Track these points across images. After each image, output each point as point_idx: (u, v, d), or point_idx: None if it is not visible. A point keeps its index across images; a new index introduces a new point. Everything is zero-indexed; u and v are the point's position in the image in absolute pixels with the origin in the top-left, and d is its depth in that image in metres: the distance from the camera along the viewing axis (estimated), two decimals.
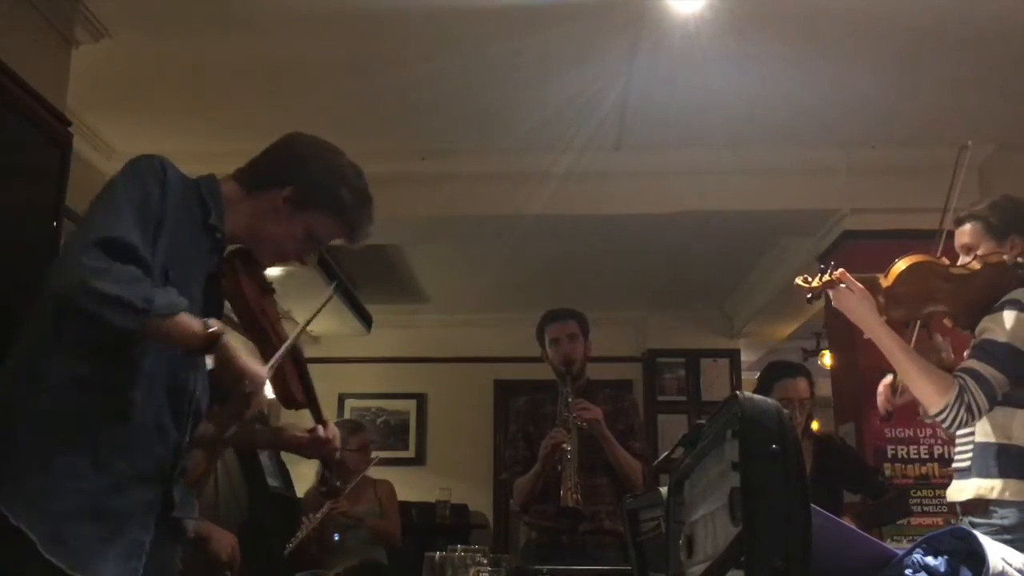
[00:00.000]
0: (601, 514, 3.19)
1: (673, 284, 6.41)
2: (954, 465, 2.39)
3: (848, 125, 4.29)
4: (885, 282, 2.36)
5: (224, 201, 1.83)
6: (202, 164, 1.89)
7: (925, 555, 1.13)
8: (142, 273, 1.56)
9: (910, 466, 4.37)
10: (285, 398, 1.92)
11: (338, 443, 2.04)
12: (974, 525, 2.15)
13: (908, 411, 2.60)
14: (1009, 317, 2.22)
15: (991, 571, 1.06)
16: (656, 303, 6.96)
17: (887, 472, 4.26)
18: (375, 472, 4.49)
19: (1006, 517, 2.17)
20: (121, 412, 1.61)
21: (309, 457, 2.23)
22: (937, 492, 4.15)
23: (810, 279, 2.34)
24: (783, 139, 4.43)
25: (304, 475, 5.14)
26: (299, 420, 2.14)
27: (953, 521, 2.39)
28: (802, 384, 3.36)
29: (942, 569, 1.10)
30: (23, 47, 3.06)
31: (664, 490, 1.42)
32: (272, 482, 5.20)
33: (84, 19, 3.39)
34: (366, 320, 6.72)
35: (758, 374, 3.55)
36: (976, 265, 2.37)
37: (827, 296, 2.37)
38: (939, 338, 2.52)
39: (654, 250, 5.60)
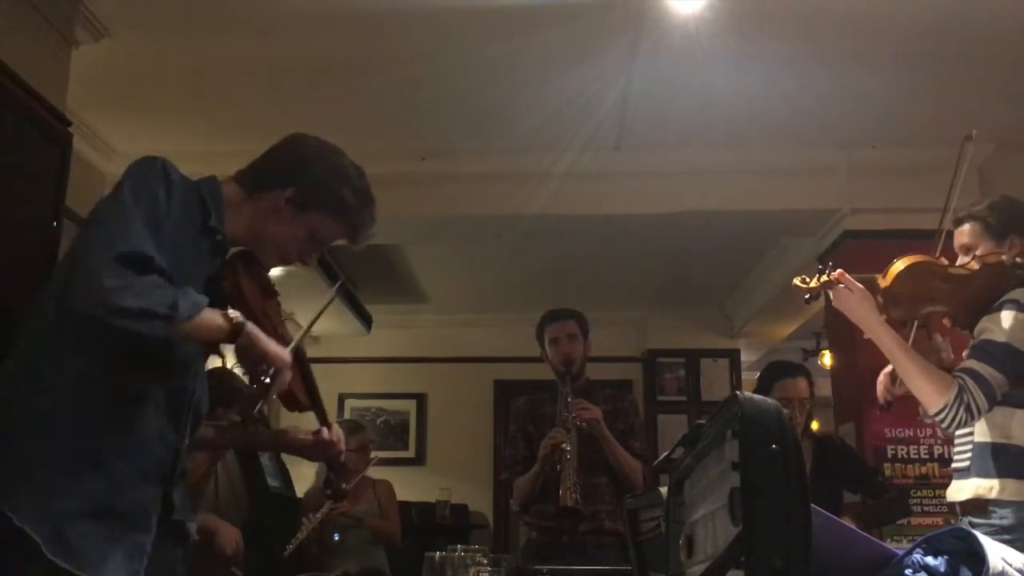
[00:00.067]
0: (601, 514, 3.19)
1: (673, 284, 6.41)
2: (953, 465, 2.40)
3: (848, 125, 4.29)
4: (884, 282, 2.36)
5: (225, 203, 1.83)
6: (202, 164, 1.89)
7: (925, 555, 1.13)
8: (162, 280, 1.58)
9: (910, 466, 4.37)
10: (288, 400, 1.91)
11: (343, 446, 2.03)
12: (973, 525, 2.15)
13: (908, 412, 2.60)
14: (1008, 317, 2.22)
15: (991, 571, 1.06)
16: (656, 303, 6.96)
17: (887, 472, 4.26)
18: (374, 472, 4.49)
19: (1005, 517, 2.17)
20: (121, 413, 1.62)
21: (313, 460, 2.23)
22: (937, 492, 4.16)
23: (808, 279, 2.34)
24: (783, 139, 4.43)
25: (304, 475, 5.14)
26: (298, 422, 2.14)
27: (953, 521, 2.39)
28: (802, 384, 3.36)
29: (942, 569, 1.10)
30: (23, 47, 3.06)
31: (664, 490, 1.42)
32: (272, 482, 5.20)
33: (84, 19, 3.39)
34: (366, 320, 6.72)
35: (758, 374, 3.55)
36: (975, 265, 2.38)
37: (826, 296, 2.37)
38: (939, 338, 2.52)
39: (654, 250, 5.60)
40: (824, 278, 2.31)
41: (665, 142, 4.47)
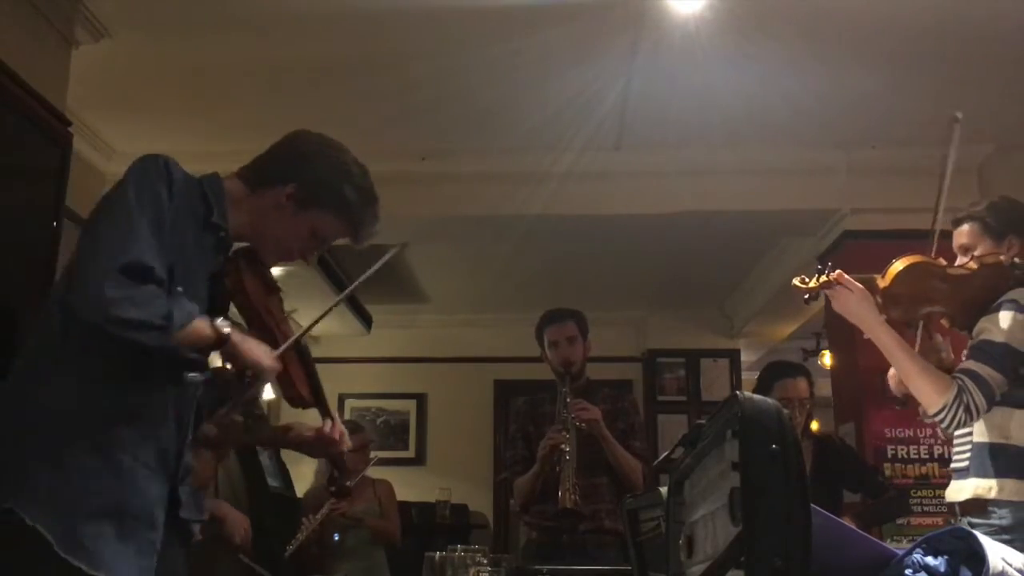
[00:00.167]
0: (601, 513, 3.19)
1: (673, 284, 6.41)
2: (952, 465, 2.40)
3: (847, 125, 4.29)
4: (883, 283, 2.35)
5: (228, 199, 1.83)
6: (202, 164, 1.88)
7: (925, 555, 1.13)
8: (160, 290, 1.62)
9: (910, 466, 4.37)
10: (291, 397, 1.91)
11: (347, 441, 2.03)
12: (973, 525, 2.15)
13: (908, 412, 2.60)
14: (1006, 317, 2.22)
15: (991, 571, 1.06)
16: (656, 303, 6.96)
17: (887, 472, 4.26)
18: (374, 472, 4.49)
19: (1004, 517, 2.17)
20: (125, 411, 1.62)
21: (315, 456, 2.22)
22: (937, 492, 4.15)
23: (807, 280, 2.34)
24: (783, 139, 4.43)
25: (304, 475, 5.14)
26: (301, 419, 2.14)
27: (953, 521, 2.39)
28: (802, 384, 3.36)
29: (942, 569, 1.10)
30: (23, 47, 3.06)
31: (664, 490, 1.42)
32: (272, 482, 5.21)
33: (84, 19, 3.39)
34: (366, 320, 6.72)
35: (758, 374, 3.55)
36: (973, 265, 2.37)
37: (826, 296, 2.37)
38: (939, 338, 2.51)
39: (654, 250, 5.60)
40: (823, 278, 2.31)
41: (665, 142, 4.47)
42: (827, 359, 5.93)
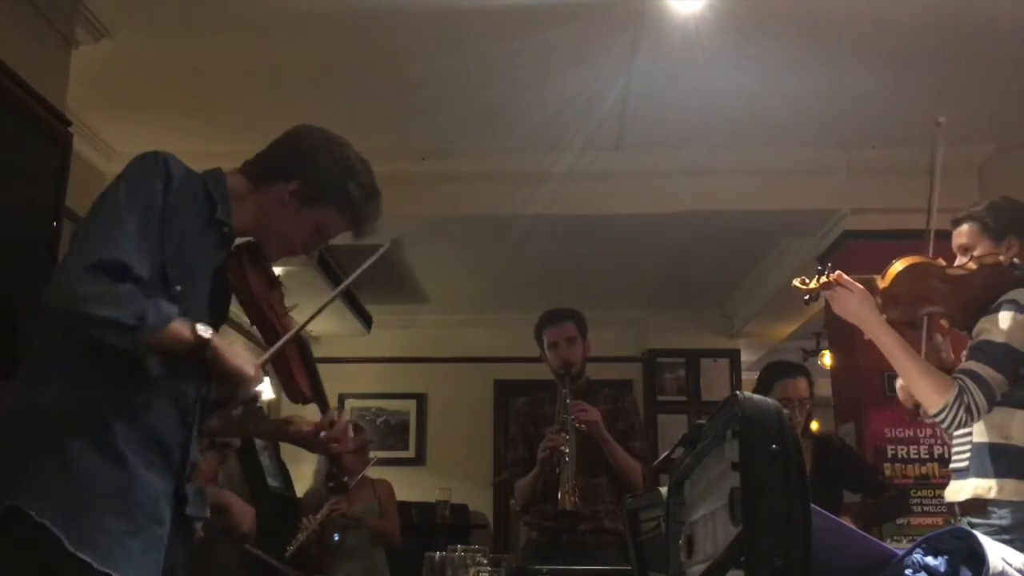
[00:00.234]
0: (601, 513, 3.19)
1: (673, 284, 6.41)
2: (951, 465, 2.40)
3: (847, 125, 4.29)
4: (883, 283, 2.36)
5: (231, 195, 1.82)
6: (202, 164, 1.88)
7: (925, 555, 1.13)
8: (136, 289, 1.59)
9: (910, 466, 4.37)
10: (290, 392, 1.91)
11: (349, 433, 2.02)
12: (972, 525, 2.15)
13: (908, 411, 2.60)
14: (1006, 318, 2.22)
15: (991, 571, 1.06)
16: (656, 303, 6.96)
17: (887, 472, 4.26)
18: (373, 472, 4.49)
19: (1004, 517, 2.17)
20: (128, 409, 1.62)
21: (315, 451, 2.22)
22: (937, 492, 4.15)
23: (808, 281, 2.34)
24: (783, 139, 4.43)
25: (304, 475, 5.15)
26: (302, 413, 2.14)
27: (953, 521, 2.39)
28: (802, 384, 3.36)
29: (942, 569, 1.10)
30: (23, 47, 3.06)
31: (664, 490, 1.42)
32: (272, 482, 5.23)
33: (84, 19, 3.39)
34: (366, 320, 6.72)
35: (758, 374, 3.55)
36: (972, 266, 2.38)
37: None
38: (939, 338, 2.51)
39: (654, 250, 5.60)
40: (823, 279, 2.32)
41: (665, 142, 4.47)
42: (827, 359, 5.93)
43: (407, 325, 7.28)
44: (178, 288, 1.68)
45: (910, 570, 1.12)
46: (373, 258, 2.06)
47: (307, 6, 3.39)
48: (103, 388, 1.60)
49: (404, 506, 5.17)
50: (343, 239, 2.11)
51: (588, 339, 3.40)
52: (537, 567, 2.74)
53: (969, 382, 2.18)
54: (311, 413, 2.03)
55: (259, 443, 5.15)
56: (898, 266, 2.36)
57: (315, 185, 1.87)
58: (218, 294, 1.82)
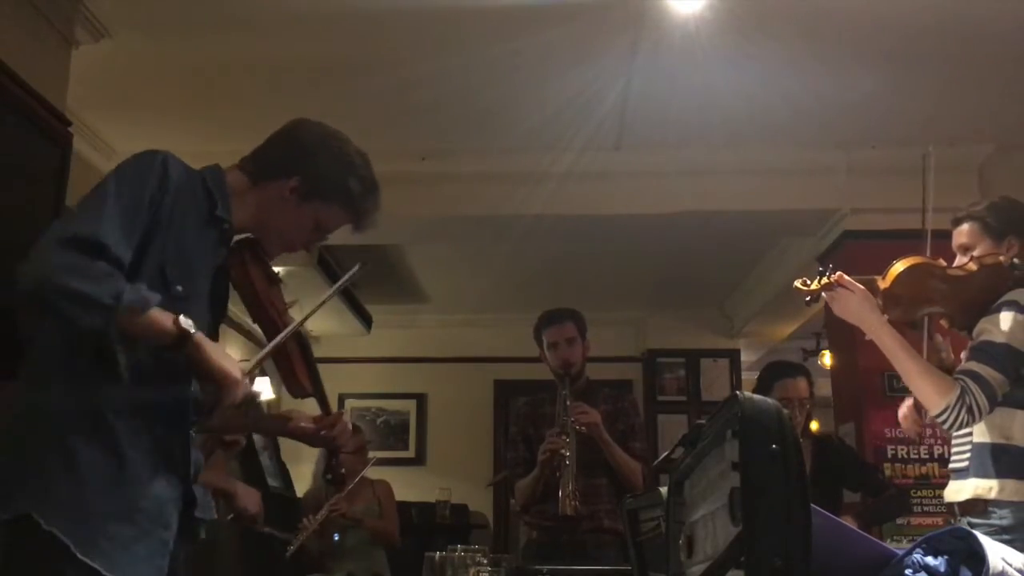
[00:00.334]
0: (601, 513, 3.19)
1: (673, 284, 6.41)
2: (951, 465, 2.40)
3: (847, 125, 4.29)
4: (883, 284, 2.36)
5: (230, 191, 1.82)
6: (202, 164, 1.87)
7: (925, 555, 1.13)
8: (114, 269, 1.54)
9: (910, 466, 4.37)
10: (291, 386, 1.91)
11: (349, 429, 2.02)
12: (972, 525, 2.15)
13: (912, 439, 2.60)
14: (1006, 318, 2.22)
15: (991, 571, 1.06)
16: (656, 303, 6.96)
17: (887, 472, 4.26)
18: (373, 472, 4.49)
19: (1004, 518, 2.17)
20: (126, 410, 1.61)
21: (314, 446, 2.21)
22: (937, 492, 4.15)
23: (809, 282, 2.34)
24: (783, 139, 4.43)
25: (304, 475, 5.15)
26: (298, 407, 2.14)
27: (953, 521, 2.39)
28: (802, 384, 3.36)
29: (942, 569, 1.10)
30: (23, 47, 3.06)
31: (664, 490, 1.42)
32: (272, 482, 5.23)
33: (84, 19, 3.39)
34: (366, 320, 6.72)
35: (758, 374, 3.55)
36: (973, 266, 2.38)
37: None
38: (939, 339, 2.52)
39: (654, 250, 5.60)
40: (824, 280, 2.32)
41: (665, 142, 4.47)
42: (827, 359, 5.93)
43: (407, 325, 7.28)
44: (179, 288, 1.67)
45: (910, 570, 1.12)
46: (343, 280, 2.05)
47: (307, 6, 3.39)
48: (103, 388, 1.60)
49: (404, 506, 5.17)
50: (343, 239, 2.12)
51: (588, 339, 3.40)
52: (537, 567, 2.74)
53: (971, 383, 2.18)
54: (310, 408, 2.04)
55: (259, 443, 5.16)
56: (899, 266, 2.36)
57: (315, 181, 1.86)
58: (218, 291, 1.82)
